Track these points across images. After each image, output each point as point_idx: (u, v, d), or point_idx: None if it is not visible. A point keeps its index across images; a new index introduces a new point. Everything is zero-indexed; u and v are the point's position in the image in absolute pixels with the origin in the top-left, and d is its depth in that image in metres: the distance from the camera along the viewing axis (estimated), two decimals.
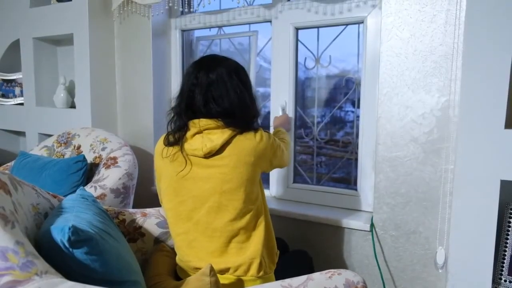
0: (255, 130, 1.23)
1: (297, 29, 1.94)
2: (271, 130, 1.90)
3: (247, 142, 1.19)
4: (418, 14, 1.48)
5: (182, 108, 1.23)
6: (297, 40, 1.95)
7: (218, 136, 1.17)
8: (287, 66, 1.94)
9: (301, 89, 2.04)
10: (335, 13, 1.79)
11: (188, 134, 1.20)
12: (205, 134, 1.19)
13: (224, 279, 1.18)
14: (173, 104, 1.27)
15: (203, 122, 1.19)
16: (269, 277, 1.23)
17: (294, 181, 2.05)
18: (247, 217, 1.19)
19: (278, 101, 1.98)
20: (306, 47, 1.96)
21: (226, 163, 1.17)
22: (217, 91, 1.20)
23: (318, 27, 1.92)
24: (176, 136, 1.22)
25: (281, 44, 1.95)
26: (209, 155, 1.18)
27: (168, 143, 1.24)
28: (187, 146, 1.20)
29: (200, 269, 1.17)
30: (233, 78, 1.22)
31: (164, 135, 1.28)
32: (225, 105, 1.19)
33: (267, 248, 1.24)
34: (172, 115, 1.26)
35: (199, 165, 1.19)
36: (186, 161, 1.20)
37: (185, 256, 1.24)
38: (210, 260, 1.17)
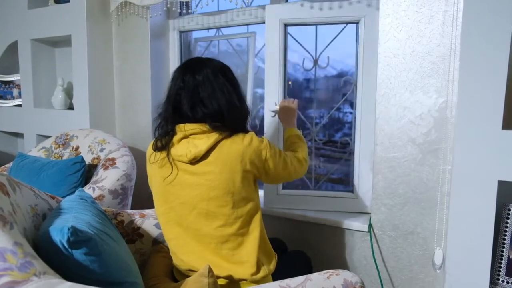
0: (245, 133, 1.21)
1: (286, 25, 1.90)
2: (267, 136, 1.89)
3: (233, 146, 1.16)
4: (416, 15, 1.49)
5: (169, 112, 1.21)
6: (286, 36, 1.93)
7: (203, 141, 1.15)
8: (277, 63, 1.90)
9: (299, 90, 2.05)
10: (334, 7, 1.76)
11: (175, 139, 1.19)
12: (191, 139, 1.17)
13: (219, 281, 1.18)
14: (160, 110, 1.26)
15: (189, 126, 1.18)
16: (266, 281, 1.23)
17: (283, 187, 1.96)
18: (238, 223, 1.17)
19: (273, 99, 1.93)
20: (304, 48, 1.97)
21: (212, 170, 1.15)
22: (204, 92, 1.18)
23: (308, 25, 1.87)
24: (163, 141, 1.21)
25: (272, 41, 1.90)
26: (194, 161, 1.16)
27: (156, 148, 1.23)
28: (173, 151, 1.19)
29: (195, 270, 1.18)
30: (219, 78, 1.20)
31: (153, 140, 1.27)
32: (214, 107, 1.17)
33: (264, 253, 1.23)
34: (159, 120, 1.25)
35: (185, 171, 1.18)
36: (172, 166, 1.19)
37: (178, 261, 1.23)
38: (204, 263, 1.16)
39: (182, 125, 1.19)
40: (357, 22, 1.78)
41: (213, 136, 1.16)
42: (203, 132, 1.17)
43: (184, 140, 1.18)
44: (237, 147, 1.16)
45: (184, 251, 1.21)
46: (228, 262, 1.17)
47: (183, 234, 1.20)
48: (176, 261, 1.25)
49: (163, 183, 1.21)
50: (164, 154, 1.21)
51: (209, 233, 1.17)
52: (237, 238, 1.18)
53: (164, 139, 1.21)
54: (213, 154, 1.16)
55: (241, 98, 1.26)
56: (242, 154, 1.16)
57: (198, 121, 1.18)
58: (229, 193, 1.16)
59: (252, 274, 1.17)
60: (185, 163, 1.17)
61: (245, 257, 1.18)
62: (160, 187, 1.22)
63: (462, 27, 1.23)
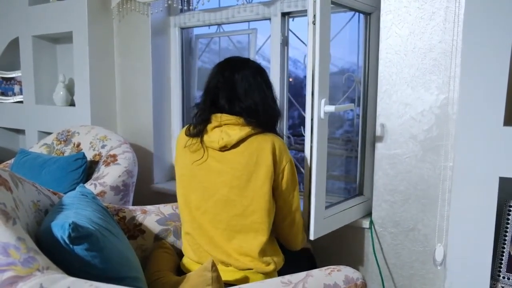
0: (276, 135, 1.26)
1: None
2: None
3: (263, 143, 1.22)
4: (417, 12, 1.48)
5: (207, 104, 1.27)
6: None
7: (236, 132, 1.21)
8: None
9: (300, 86, 2.05)
10: None
11: (209, 126, 1.25)
12: (224, 128, 1.23)
13: (227, 271, 1.20)
14: (198, 100, 1.33)
15: (225, 117, 1.23)
16: (272, 274, 1.25)
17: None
18: (253, 216, 1.21)
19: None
20: (305, 45, 1.96)
21: (239, 160, 1.21)
22: (241, 89, 1.25)
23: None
24: (198, 128, 1.27)
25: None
26: (224, 149, 1.22)
27: (189, 134, 1.29)
28: (206, 138, 1.25)
29: (206, 251, 1.23)
30: (257, 79, 1.27)
31: (186, 126, 1.33)
32: (249, 103, 1.24)
33: (272, 248, 1.27)
34: (196, 110, 1.31)
35: (214, 158, 1.24)
36: (204, 151, 1.25)
37: (191, 239, 1.27)
38: (215, 248, 1.22)
39: (218, 114, 1.24)
40: (369, 14, 1.71)
41: (246, 129, 1.21)
42: (237, 124, 1.22)
43: (217, 129, 1.24)
44: (266, 144, 1.22)
45: (198, 233, 1.25)
46: (236, 251, 1.21)
47: (200, 217, 1.25)
48: (189, 241, 1.28)
49: (191, 165, 1.27)
50: (197, 140, 1.27)
51: (225, 220, 1.22)
52: (250, 230, 1.21)
53: (198, 126, 1.27)
54: (243, 146, 1.22)
55: (274, 99, 1.33)
56: (269, 151, 1.21)
57: (234, 114, 1.24)
58: (250, 185, 1.20)
59: (259, 265, 1.20)
60: (215, 149, 1.23)
61: (255, 249, 1.21)
62: (187, 169, 1.28)
63: (464, 23, 1.23)
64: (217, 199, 1.22)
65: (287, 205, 1.28)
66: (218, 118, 1.24)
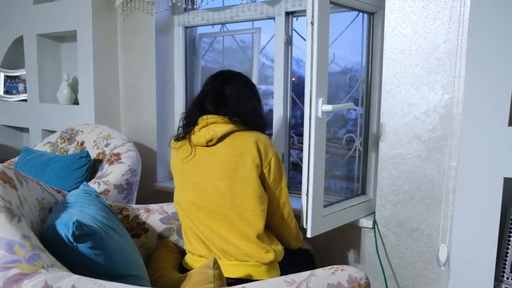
0: (260, 132, 1.32)
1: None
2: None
3: (247, 137, 1.28)
4: (422, 11, 1.48)
5: (195, 110, 1.35)
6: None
7: (221, 127, 1.27)
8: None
9: (303, 86, 2.04)
10: None
11: (196, 128, 1.32)
12: (211, 127, 1.29)
13: (229, 266, 1.22)
14: (187, 108, 1.40)
15: (211, 117, 1.30)
16: (274, 265, 1.27)
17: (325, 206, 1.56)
18: (246, 204, 1.25)
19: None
20: None
21: (225, 152, 1.27)
22: (231, 99, 1.32)
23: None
24: (185, 132, 1.35)
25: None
26: (211, 143, 1.28)
27: (177, 139, 1.37)
28: (194, 137, 1.31)
29: (210, 242, 1.26)
30: (246, 91, 1.35)
31: (176, 134, 1.41)
32: (237, 110, 1.30)
33: (270, 237, 1.30)
34: (185, 116, 1.39)
35: (201, 155, 1.30)
36: (191, 149, 1.31)
37: (194, 234, 1.30)
38: (217, 237, 1.25)
39: (205, 116, 1.31)
40: (372, 13, 1.71)
41: (230, 125, 1.28)
42: (223, 122, 1.29)
43: (204, 128, 1.30)
44: (251, 138, 1.27)
45: (199, 226, 1.29)
46: (236, 238, 1.24)
47: (197, 212, 1.29)
48: (192, 236, 1.31)
49: (181, 164, 1.33)
50: (185, 141, 1.34)
51: (219, 211, 1.26)
52: (243, 218, 1.25)
53: (186, 130, 1.35)
54: (228, 139, 1.28)
55: (262, 111, 1.42)
56: (254, 144, 1.26)
57: (220, 114, 1.31)
58: (238, 174, 1.25)
59: (258, 252, 1.23)
60: (202, 146, 1.29)
61: (252, 235, 1.24)
62: (178, 169, 1.35)
63: (469, 23, 1.22)
64: (209, 192, 1.27)
65: (276, 199, 1.33)
66: (205, 118, 1.30)
